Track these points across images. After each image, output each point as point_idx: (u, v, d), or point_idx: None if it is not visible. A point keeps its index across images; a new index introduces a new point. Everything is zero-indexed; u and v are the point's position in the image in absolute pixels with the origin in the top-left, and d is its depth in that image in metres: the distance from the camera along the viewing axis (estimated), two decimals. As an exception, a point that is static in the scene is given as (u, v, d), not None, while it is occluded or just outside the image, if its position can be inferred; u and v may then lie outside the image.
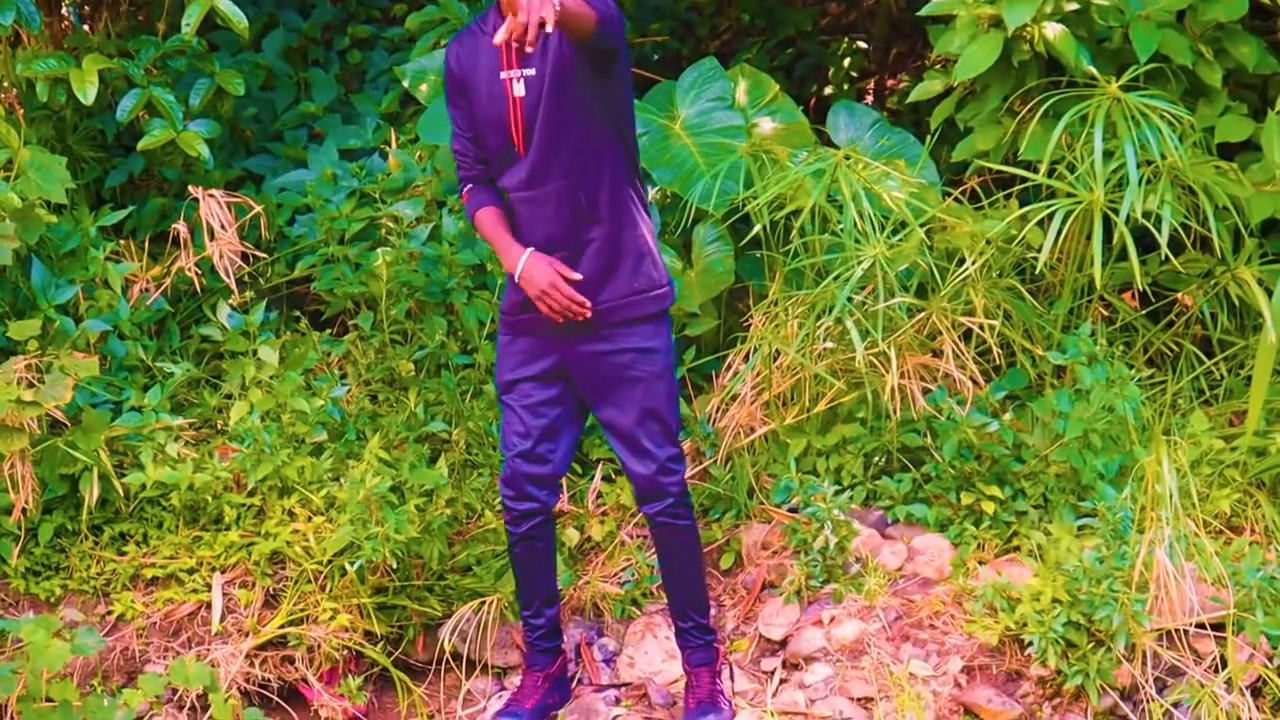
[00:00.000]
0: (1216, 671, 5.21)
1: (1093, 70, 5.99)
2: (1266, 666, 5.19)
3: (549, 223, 4.94)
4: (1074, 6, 6.02)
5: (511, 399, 5.16)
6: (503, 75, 4.85)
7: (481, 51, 4.90)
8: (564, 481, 6.06)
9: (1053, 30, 5.98)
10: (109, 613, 5.67)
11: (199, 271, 6.48)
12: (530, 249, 4.91)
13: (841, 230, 5.95)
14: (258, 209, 6.55)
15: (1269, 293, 5.86)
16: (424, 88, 6.96)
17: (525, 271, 4.87)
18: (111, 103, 6.81)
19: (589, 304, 4.85)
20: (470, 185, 5.14)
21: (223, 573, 5.73)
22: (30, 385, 5.51)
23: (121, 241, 6.66)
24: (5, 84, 7.10)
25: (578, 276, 4.86)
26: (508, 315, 5.13)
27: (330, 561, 5.64)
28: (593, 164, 4.92)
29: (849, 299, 5.80)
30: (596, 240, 4.95)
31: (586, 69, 4.76)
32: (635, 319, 4.99)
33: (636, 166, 5.06)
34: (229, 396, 6.29)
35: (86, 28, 7.64)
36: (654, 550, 5.52)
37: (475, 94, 4.93)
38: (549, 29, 4.10)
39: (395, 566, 5.64)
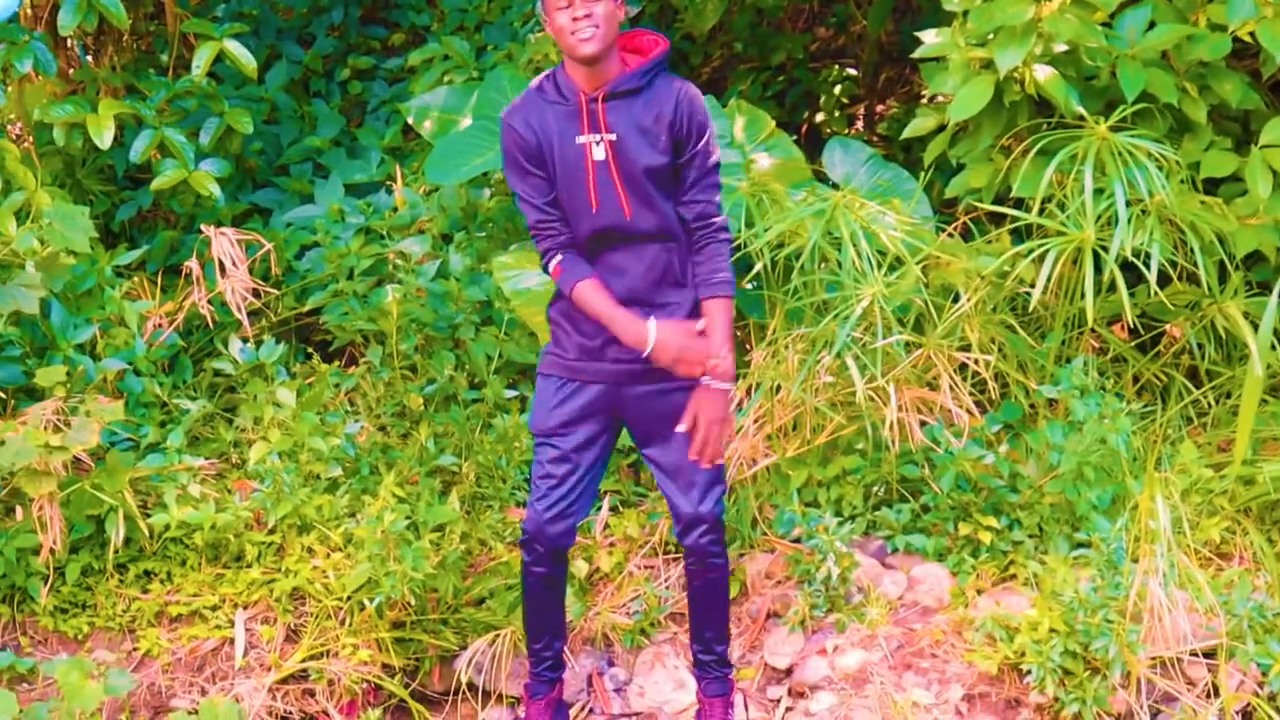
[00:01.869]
0: (1209, 698, 5.24)
1: (1081, 110, 6.02)
2: (1257, 694, 5.23)
3: (634, 280, 4.96)
4: (1063, 48, 6.03)
5: (552, 444, 5.11)
6: (579, 140, 4.85)
7: (553, 118, 4.87)
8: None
9: (1043, 73, 6.01)
10: (135, 649, 5.67)
11: (210, 306, 6.52)
12: (652, 318, 4.84)
13: (840, 268, 5.95)
14: (268, 246, 6.63)
15: (1254, 325, 5.87)
16: (428, 124, 7.00)
17: (659, 342, 4.82)
18: (120, 137, 6.87)
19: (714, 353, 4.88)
20: (559, 256, 4.96)
21: (245, 609, 5.75)
22: (57, 429, 5.53)
23: (134, 278, 6.73)
24: (15, 120, 7.19)
25: (701, 326, 4.87)
26: (564, 360, 5.09)
27: (350, 597, 5.65)
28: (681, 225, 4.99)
29: (851, 336, 5.82)
30: (676, 304, 4.98)
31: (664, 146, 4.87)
32: None
33: None
34: (241, 430, 6.32)
35: (91, 60, 7.72)
36: (682, 582, 5.53)
37: (554, 159, 4.88)
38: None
39: (412, 601, 5.65)
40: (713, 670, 5.38)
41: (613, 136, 4.84)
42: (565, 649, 5.55)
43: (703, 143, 4.90)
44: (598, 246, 4.95)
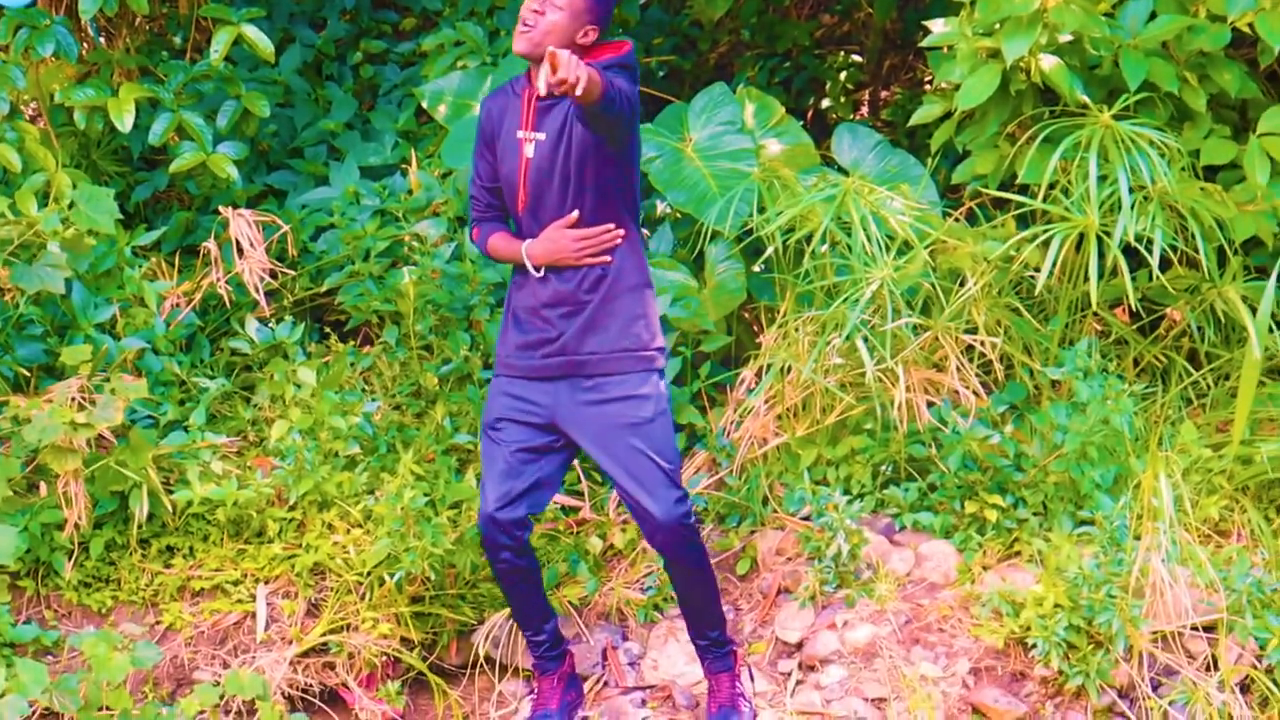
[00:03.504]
0: (1209, 671, 5.32)
1: (1085, 99, 6.05)
2: (1255, 666, 5.31)
3: (554, 281, 5.04)
4: (1067, 38, 6.07)
5: (498, 439, 5.16)
6: (519, 134, 5.00)
7: (508, 111, 5.05)
8: (584, 489, 6.20)
9: (1048, 62, 6.04)
10: (158, 623, 5.72)
11: (228, 286, 6.56)
12: (527, 241, 5.04)
13: (850, 252, 6.00)
14: (285, 228, 6.66)
15: (1253, 309, 5.90)
16: (442, 108, 7.05)
17: (539, 250, 5.01)
18: (136, 119, 6.85)
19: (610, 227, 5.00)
20: (480, 225, 5.25)
21: (266, 584, 5.81)
22: (81, 407, 5.57)
23: (151, 258, 6.75)
24: (30, 101, 7.23)
25: (573, 217, 4.96)
26: (509, 357, 5.18)
27: (369, 572, 5.71)
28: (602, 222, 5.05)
29: (860, 319, 5.87)
30: (593, 301, 5.05)
31: (594, 139, 4.89)
32: (621, 371, 5.06)
33: (638, 225, 5.17)
34: (259, 408, 6.36)
35: (104, 42, 7.74)
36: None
37: (499, 148, 5.06)
38: (578, 93, 4.28)
39: (431, 577, 5.70)
40: (712, 651, 5.41)
41: (541, 136, 4.98)
42: (558, 626, 5.53)
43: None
44: (529, 235, 5.10)
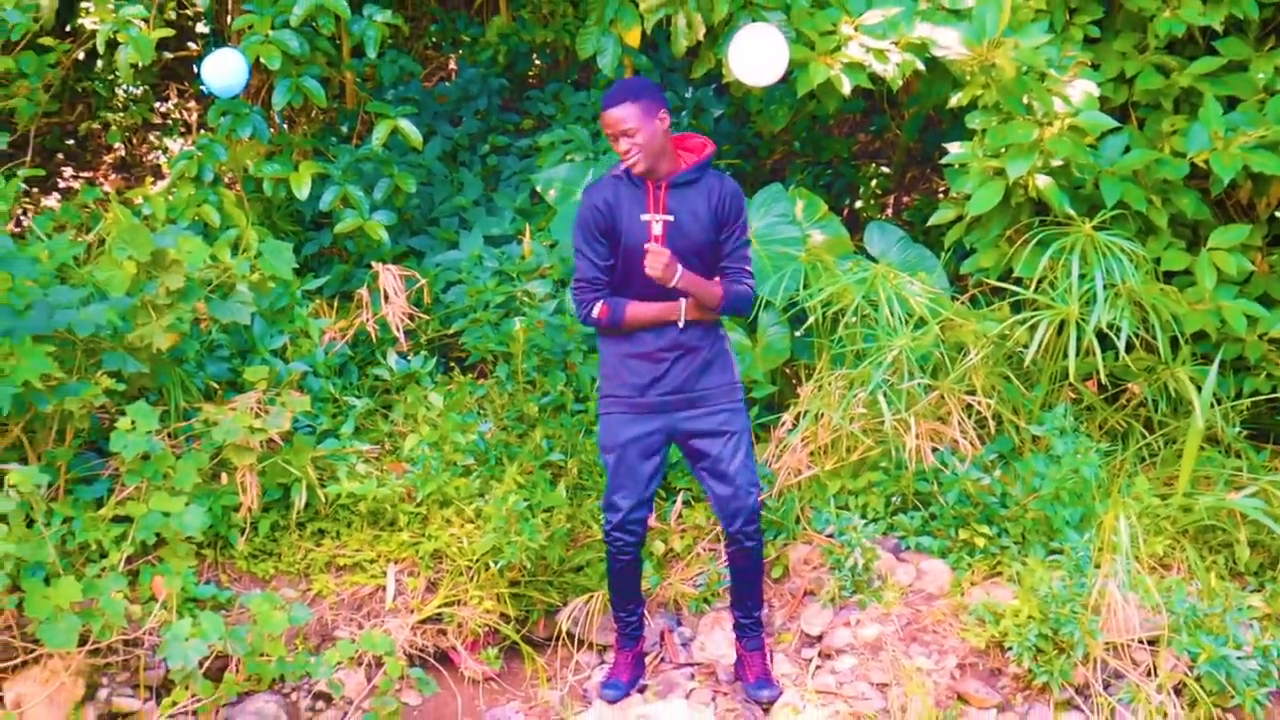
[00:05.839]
0: (1150, 676, 5.29)
1: (1071, 212, 6.07)
2: (1187, 674, 5.28)
3: (674, 333, 5.08)
4: (1059, 163, 6.07)
5: (624, 461, 5.17)
6: (644, 217, 5.01)
7: (623, 199, 5.04)
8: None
9: (1043, 181, 6.06)
10: (308, 590, 5.74)
11: (375, 326, 6.60)
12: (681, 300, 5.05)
13: (876, 325, 6.04)
14: (422, 282, 6.73)
15: (1198, 387, 5.92)
16: (552, 192, 7.09)
17: (674, 275, 4.95)
18: (311, 190, 6.97)
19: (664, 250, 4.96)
20: (599, 301, 5.08)
21: (395, 564, 5.82)
22: (257, 415, 5.66)
23: (315, 301, 6.80)
24: (227, 172, 7.35)
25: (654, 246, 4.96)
26: (626, 397, 5.16)
27: (478, 559, 5.72)
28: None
29: (882, 379, 5.90)
30: (704, 348, 5.13)
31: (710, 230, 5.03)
32: (726, 397, 5.16)
33: None
34: (394, 424, 6.35)
35: (287, 127, 7.87)
36: (726, 563, 5.50)
37: (622, 229, 5.02)
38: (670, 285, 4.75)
39: (527, 565, 5.73)
40: (750, 631, 5.42)
41: (670, 217, 5.00)
42: (645, 612, 5.58)
43: (740, 221, 5.08)
44: (651, 297, 5.11)
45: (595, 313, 5.09)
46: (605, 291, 5.10)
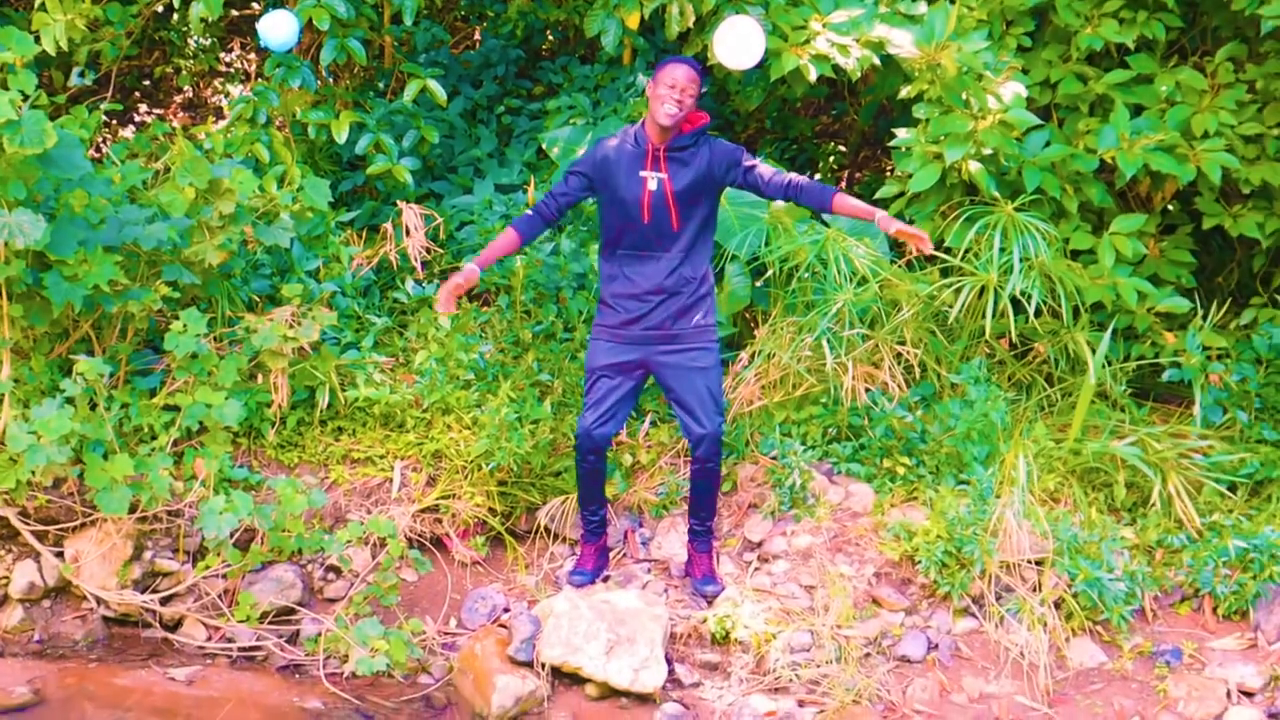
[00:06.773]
0: (1035, 591, 5.34)
1: (996, 194, 6.07)
2: (1066, 592, 5.32)
3: (661, 279, 5.11)
4: (989, 151, 6.05)
5: (600, 381, 5.23)
6: (641, 173, 5.05)
7: (625, 155, 5.10)
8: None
9: (974, 166, 6.04)
10: (326, 478, 5.76)
11: (396, 256, 6.58)
12: (474, 266, 5.11)
13: (825, 280, 6.03)
14: (439, 220, 6.69)
15: (1093, 350, 5.96)
16: (555, 150, 7.01)
17: (442, 292, 5.11)
18: (349, 136, 6.92)
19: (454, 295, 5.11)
20: (533, 213, 5.23)
21: (401, 460, 5.82)
22: (291, 326, 5.65)
23: (347, 231, 6.77)
24: (276, 116, 7.29)
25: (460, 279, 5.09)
26: (612, 328, 5.21)
27: (472, 460, 5.71)
28: (700, 243, 5.14)
29: (826, 327, 5.91)
30: (685, 294, 5.14)
31: (698, 190, 5.06)
32: (700, 337, 5.18)
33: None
34: (409, 340, 6.29)
35: (332, 80, 7.79)
36: (688, 477, 5.54)
37: (619, 180, 5.08)
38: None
39: (514, 468, 5.72)
40: (702, 536, 5.46)
41: (664, 175, 5.04)
42: (608, 513, 5.60)
43: (738, 163, 5.11)
44: (636, 252, 5.14)
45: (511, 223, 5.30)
46: (552, 215, 5.23)
